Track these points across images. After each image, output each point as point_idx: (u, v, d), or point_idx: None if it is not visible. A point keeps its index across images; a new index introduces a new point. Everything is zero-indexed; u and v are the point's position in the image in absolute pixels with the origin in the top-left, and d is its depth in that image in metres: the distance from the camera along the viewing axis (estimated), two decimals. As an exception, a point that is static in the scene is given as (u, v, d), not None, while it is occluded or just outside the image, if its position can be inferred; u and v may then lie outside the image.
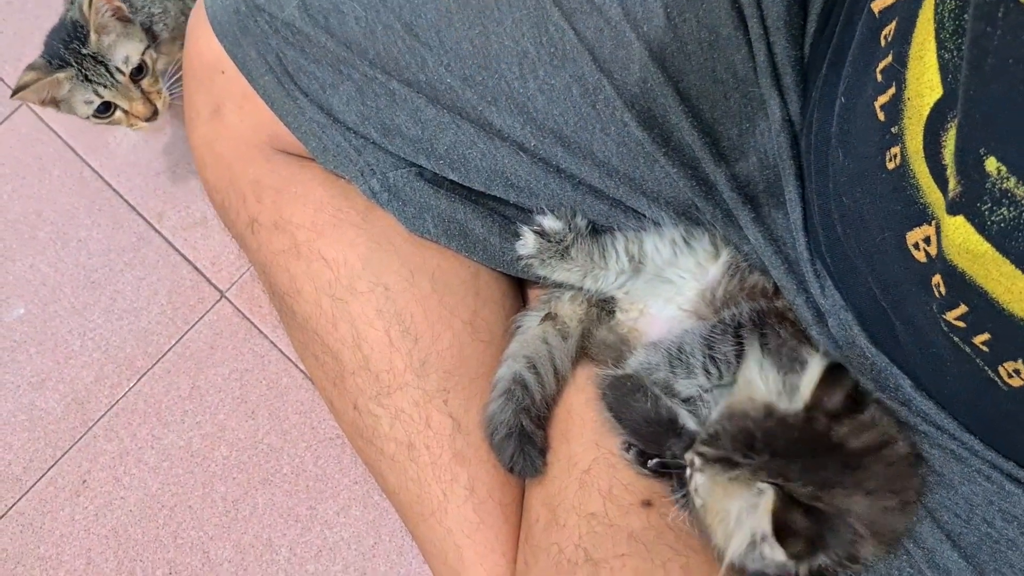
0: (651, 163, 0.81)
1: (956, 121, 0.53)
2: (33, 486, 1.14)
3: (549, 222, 0.82)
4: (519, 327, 0.91)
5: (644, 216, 0.84)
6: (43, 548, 1.11)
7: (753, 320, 0.77)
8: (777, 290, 0.80)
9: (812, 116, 0.75)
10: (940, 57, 0.55)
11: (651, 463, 0.76)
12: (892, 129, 0.61)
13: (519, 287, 0.93)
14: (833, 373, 0.67)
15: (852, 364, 0.72)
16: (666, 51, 0.79)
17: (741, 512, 0.67)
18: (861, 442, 0.66)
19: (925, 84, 0.56)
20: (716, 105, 0.79)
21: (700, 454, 0.69)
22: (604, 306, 0.90)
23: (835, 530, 0.66)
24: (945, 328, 0.60)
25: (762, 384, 0.68)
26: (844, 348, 0.73)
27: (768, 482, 0.65)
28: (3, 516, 1.13)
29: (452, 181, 0.86)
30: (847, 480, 0.66)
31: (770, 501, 0.64)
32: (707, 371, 0.76)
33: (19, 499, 1.14)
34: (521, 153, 0.83)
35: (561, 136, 0.82)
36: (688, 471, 0.71)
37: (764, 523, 0.64)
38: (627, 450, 0.79)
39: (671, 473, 0.76)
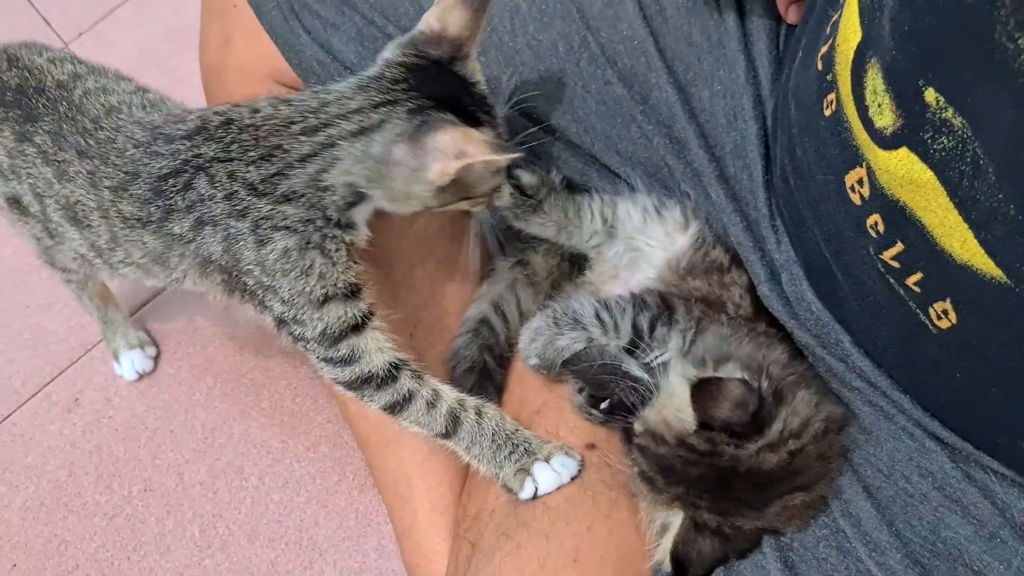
0: (628, 122, 0.85)
1: (876, 59, 0.56)
2: (28, 400, 1.20)
3: (526, 177, 0.85)
4: (492, 270, 0.95)
5: (617, 175, 0.87)
6: (30, 458, 1.16)
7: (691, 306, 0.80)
8: (730, 265, 0.82)
9: (781, 75, 0.78)
10: (860, 1, 0.57)
11: (603, 405, 0.79)
12: (827, 76, 0.64)
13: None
14: (707, 387, 0.68)
15: (799, 321, 0.74)
16: (648, 12, 0.83)
17: (660, 528, 0.71)
18: (771, 463, 0.68)
19: (850, 29, 0.59)
20: (690, 67, 0.82)
21: (634, 460, 0.72)
22: (576, 262, 0.93)
23: (741, 549, 0.70)
24: (882, 269, 0.62)
25: (681, 394, 0.70)
26: (794, 304, 0.75)
27: (681, 510, 0.69)
28: (-2, 425, 1.19)
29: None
30: (757, 501, 0.69)
31: (674, 531, 0.69)
32: (599, 319, 0.78)
33: (14, 411, 1.19)
34: (505, 104, 0.87)
35: (544, 90, 0.86)
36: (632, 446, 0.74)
37: (667, 546, 0.69)
38: (579, 392, 0.81)
39: (617, 415, 0.78)
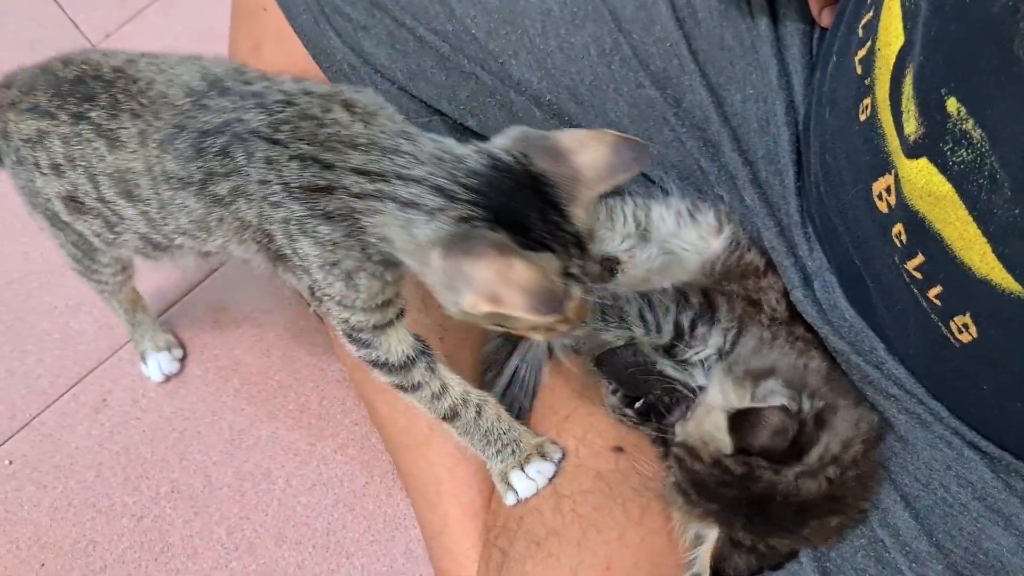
0: (660, 124, 0.84)
1: (912, 65, 0.55)
2: (56, 400, 1.20)
3: None
4: None
5: (649, 179, 0.87)
6: (58, 458, 1.17)
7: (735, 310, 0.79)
8: (766, 269, 0.81)
9: (815, 80, 0.77)
10: (903, 5, 0.57)
11: (637, 405, 0.78)
12: (866, 81, 0.63)
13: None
14: (746, 416, 0.67)
15: (833, 327, 0.74)
16: (681, 14, 0.82)
17: (693, 542, 0.71)
18: (809, 490, 0.67)
19: (892, 33, 0.58)
20: (722, 71, 0.82)
21: (673, 470, 0.71)
22: (608, 265, 0.92)
23: (777, 563, 0.69)
24: (907, 279, 0.61)
25: (720, 413, 0.69)
26: (828, 311, 0.74)
27: (715, 526, 0.69)
28: (26, 425, 1.19)
29: (471, 131, 0.89)
30: (793, 524, 0.68)
31: (711, 544, 0.69)
32: (643, 319, 0.78)
33: (42, 411, 1.20)
34: (536, 107, 0.86)
35: (576, 93, 0.86)
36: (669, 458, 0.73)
37: (707, 562, 0.69)
38: (613, 392, 0.81)
39: (651, 416, 0.78)
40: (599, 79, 0.85)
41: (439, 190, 0.64)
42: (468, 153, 0.66)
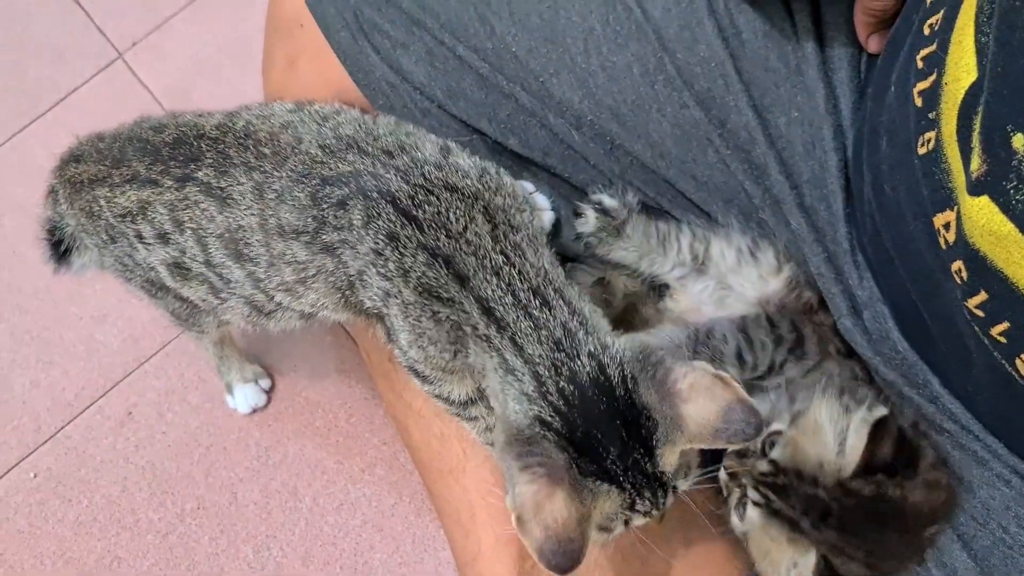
0: (704, 146, 0.82)
1: (983, 99, 0.54)
2: (81, 413, 1.20)
3: (608, 200, 0.83)
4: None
5: (691, 200, 0.85)
6: (83, 472, 1.16)
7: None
8: (820, 306, 0.80)
9: (866, 107, 0.75)
10: (978, 40, 0.55)
11: None
12: (929, 115, 0.61)
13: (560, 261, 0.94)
14: (879, 427, 0.66)
15: (883, 358, 0.72)
16: (726, 33, 0.81)
17: (788, 567, 0.68)
18: (920, 499, 0.66)
19: (962, 68, 0.57)
20: (766, 93, 0.80)
21: (761, 494, 0.68)
22: (657, 288, 0.91)
23: None
24: (968, 317, 0.60)
25: (830, 432, 0.67)
26: (877, 342, 0.73)
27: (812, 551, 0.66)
28: (51, 438, 1.18)
29: (510, 151, 0.88)
30: (904, 540, 0.67)
31: (811, 566, 0.66)
32: (741, 359, 0.76)
33: (67, 423, 1.19)
34: (578, 127, 0.85)
35: (618, 113, 0.84)
36: (729, 486, 0.71)
37: None
38: None
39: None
40: (642, 99, 0.84)
41: (537, 378, 0.62)
42: (585, 351, 0.62)
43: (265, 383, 1.17)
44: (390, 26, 0.88)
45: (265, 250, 0.72)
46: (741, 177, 0.81)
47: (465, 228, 0.66)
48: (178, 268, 0.77)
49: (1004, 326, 0.57)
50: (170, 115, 0.80)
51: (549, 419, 0.61)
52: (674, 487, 0.63)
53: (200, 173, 0.72)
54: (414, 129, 0.79)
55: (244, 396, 1.15)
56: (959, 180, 0.57)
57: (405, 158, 0.70)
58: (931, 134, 0.61)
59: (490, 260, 0.65)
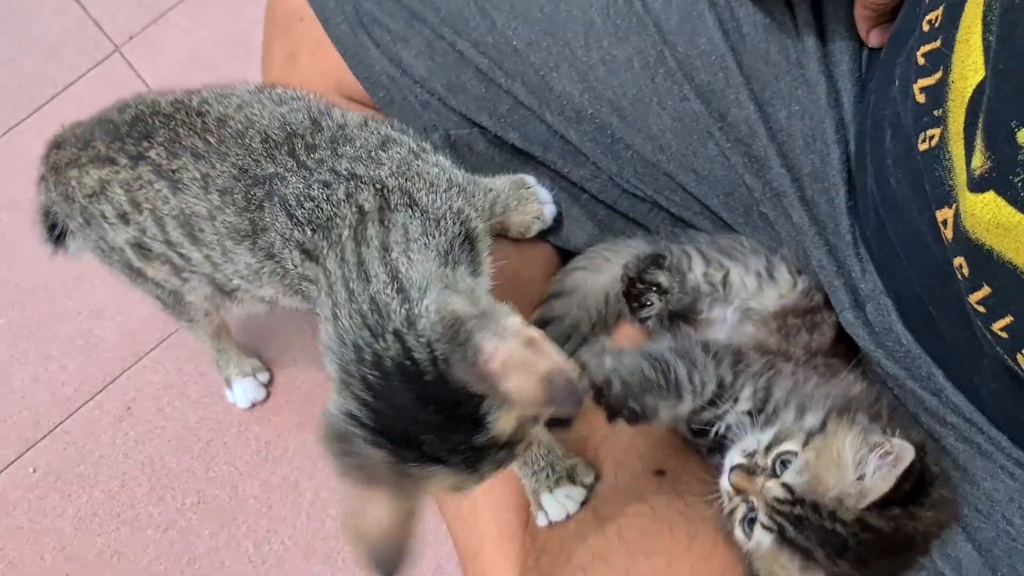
0: (705, 139, 0.82)
1: (986, 96, 0.54)
2: (80, 407, 1.19)
3: (662, 277, 0.82)
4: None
5: (691, 194, 0.85)
6: (83, 467, 1.16)
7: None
8: (825, 304, 0.80)
9: (869, 101, 0.75)
10: (985, 39, 0.55)
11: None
12: (934, 112, 0.61)
13: (561, 255, 0.94)
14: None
15: (886, 351, 0.72)
16: (727, 26, 0.80)
17: None
18: (929, 522, 0.66)
19: (970, 67, 0.57)
20: (766, 86, 0.80)
21: (775, 522, 0.67)
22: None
23: None
24: (971, 312, 0.60)
25: (851, 463, 0.65)
26: (880, 335, 0.73)
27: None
28: (50, 433, 1.18)
29: (510, 145, 0.88)
30: (906, 568, 0.67)
31: None
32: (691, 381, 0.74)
33: (66, 418, 1.19)
34: (578, 122, 0.85)
35: (618, 107, 0.84)
36: (734, 500, 0.70)
37: None
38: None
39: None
40: (642, 92, 0.83)
41: (345, 370, 0.60)
42: (392, 334, 0.58)
43: (264, 377, 1.17)
44: (390, 19, 0.87)
45: (217, 240, 0.71)
46: (741, 170, 0.81)
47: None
48: (140, 248, 0.77)
49: (1007, 320, 0.57)
50: (138, 94, 0.79)
51: (357, 413, 0.58)
52: (513, 445, 0.59)
53: (152, 152, 0.72)
54: (373, 122, 0.76)
55: (243, 390, 1.15)
56: (960, 178, 0.58)
57: (324, 153, 0.69)
58: (935, 131, 0.61)
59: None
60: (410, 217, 0.65)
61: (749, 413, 0.73)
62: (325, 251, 0.64)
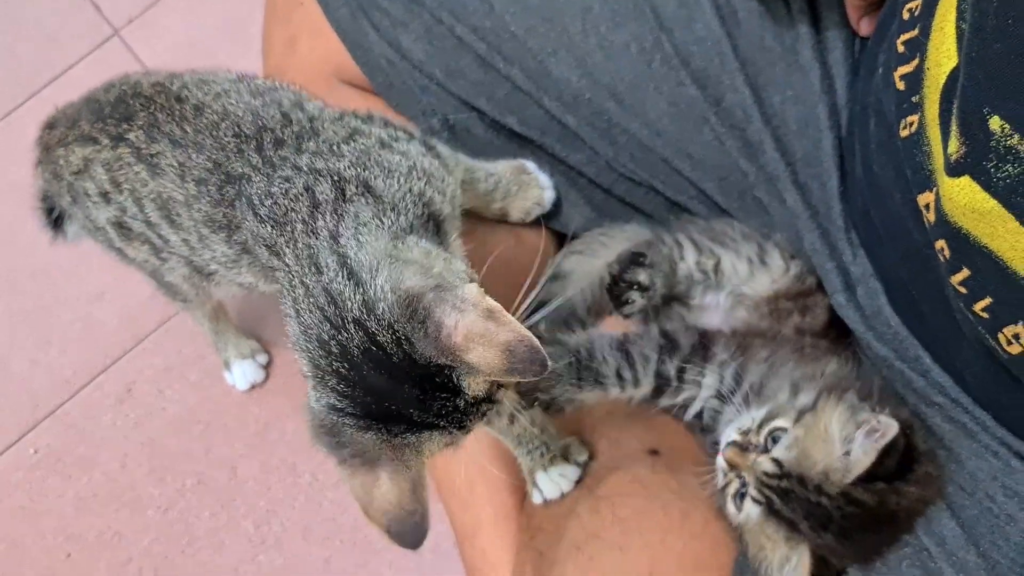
0: (700, 124, 0.83)
1: (960, 83, 0.55)
2: (80, 390, 1.20)
3: (641, 276, 0.83)
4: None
5: (686, 179, 0.86)
6: (83, 448, 1.17)
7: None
8: (818, 287, 0.81)
9: (857, 87, 0.76)
10: (958, 27, 0.56)
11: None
12: (912, 98, 0.62)
13: (559, 240, 0.95)
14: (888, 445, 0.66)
15: (876, 333, 0.73)
16: (723, 12, 0.81)
17: (781, 560, 0.69)
18: (914, 498, 0.67)
19: (943, 54, 0.58)
20: (761, 72, 0.81)
21: (764, 495, 0.69)
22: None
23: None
24: (953, 294, 0.61)
25: (838, 440, 0.67)
26: (870, 317, 0.74)
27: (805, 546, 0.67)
28: (51, 415, 1.19)
29: (508, 129, 0.89)
30: (891, 541, 0.68)
31: (807, 566, 0.67)
32: (620, 377, 0.77)
33: (66, 400, 1.20)
34: (575, 107, 0.86)
35: (615, 92, 0.85)
36: (729, 475, 0.72)
37: None
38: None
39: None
40: (639, 77, 0.84)
41: (315, 365, 0.60)
42: (353, 323, 0.58)
43: (262, 358, 1.17)
44: (389, 4, 0.88)
45: (193, 226, 0.72)
46: (736, 155, 0.82)
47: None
48: (121, 228, 0.77)
49: (987, 301, 0.58)
50: (124, 74, 0.80)
51: (339, 404, 0.59)
52: (492, 399, 0.61)
53: (131, 135, 0.72)
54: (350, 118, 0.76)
55: (242, 372, 1.16)
56: (939, 162, 0.59)
57: (288, 150, 0.69)
58: (914, 117, 0.62)
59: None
60: (364, 205, 0.64)
61: (719, 397, 0.76)
62: (283, 247, 0.64)
